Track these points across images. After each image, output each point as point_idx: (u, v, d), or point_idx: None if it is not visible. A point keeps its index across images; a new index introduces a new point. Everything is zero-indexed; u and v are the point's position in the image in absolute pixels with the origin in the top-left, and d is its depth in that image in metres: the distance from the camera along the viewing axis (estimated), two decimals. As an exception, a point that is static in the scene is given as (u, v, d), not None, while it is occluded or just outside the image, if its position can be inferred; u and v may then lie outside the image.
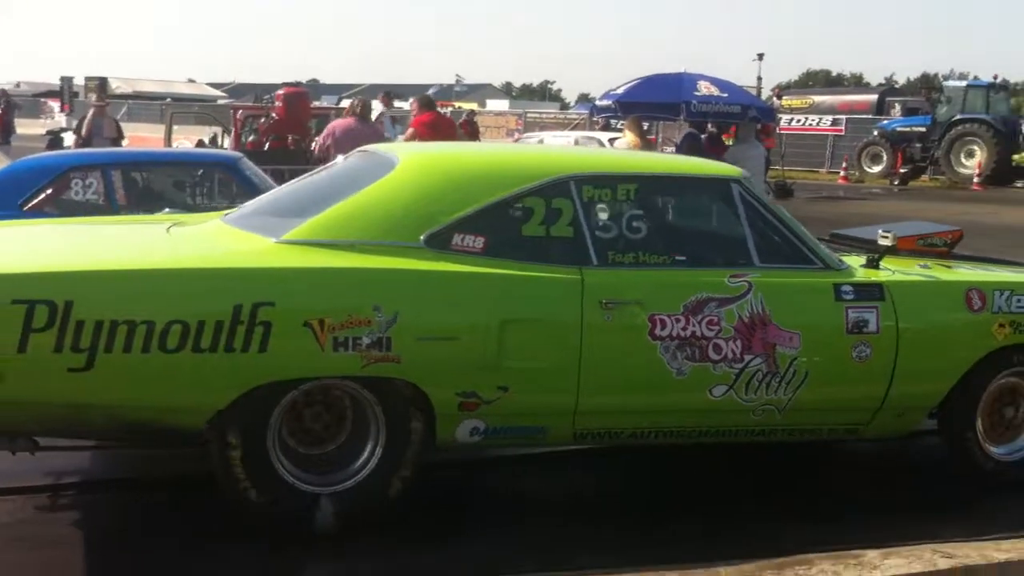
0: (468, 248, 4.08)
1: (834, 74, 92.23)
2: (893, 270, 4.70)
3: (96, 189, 7.30)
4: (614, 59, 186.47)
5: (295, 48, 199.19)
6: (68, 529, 3.97)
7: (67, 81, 34.40)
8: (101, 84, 34.33)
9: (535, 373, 4.05)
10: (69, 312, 3.54)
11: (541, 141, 18.82)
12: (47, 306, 3.53)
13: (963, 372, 4.60)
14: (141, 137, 32.15)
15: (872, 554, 3.82)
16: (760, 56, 46.67)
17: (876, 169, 28.96)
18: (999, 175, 27.02)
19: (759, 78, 44.39)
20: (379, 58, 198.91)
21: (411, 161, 4.42)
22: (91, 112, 16.63)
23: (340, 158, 5.32)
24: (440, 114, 13.44)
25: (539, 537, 4.11)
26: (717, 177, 4.64)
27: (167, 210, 5.76)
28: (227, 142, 19.24)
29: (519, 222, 4.19)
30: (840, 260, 4.61)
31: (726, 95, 18.37)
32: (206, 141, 20.39)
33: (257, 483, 3.85)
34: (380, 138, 10.71)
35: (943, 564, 3.77)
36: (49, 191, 7.14)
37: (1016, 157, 27.04)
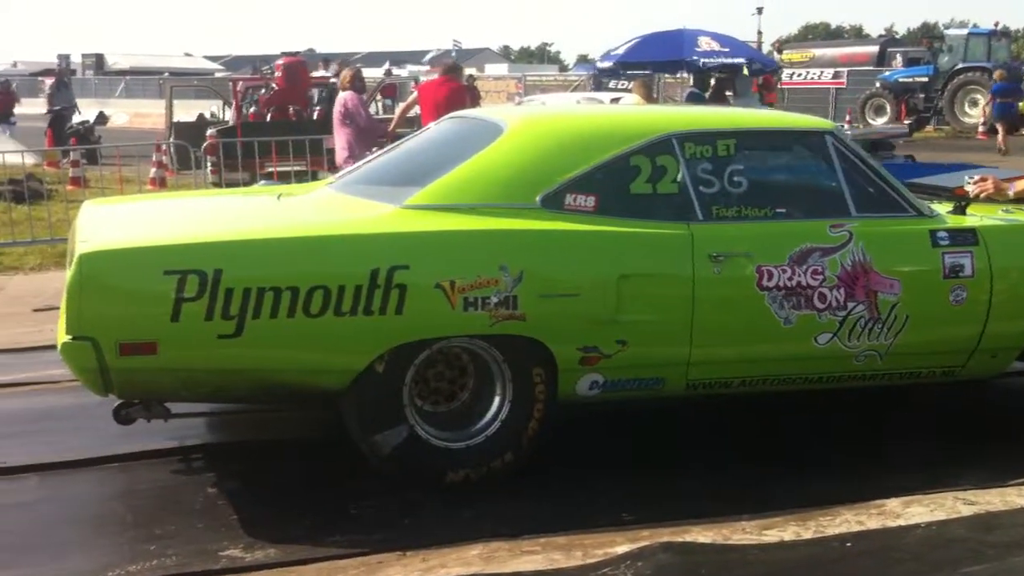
0: (581, 207, 4.20)
1: (833, 26, 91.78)
2: (980, 216, 4.82)
3: None
4: (611, 18, 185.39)
5: (289, 17, 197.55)
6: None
7: (64, 59, 34.26)
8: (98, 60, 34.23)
9: (651, 326, 4.18)
10: (219, 281, 3.67)
11: (544, 103, 18.74)
12: (197, 276, 3.66)
13: (1053, 312, 4.73)
14: (142, 113, 32.09)
15: (894, 503, 3.87)
16: (759, 10, 46.58)
17: (880, 121, 28.90)
18: (1004, 123, 27.01)
19: (759, 32, 44.36)
20: (375, 25, 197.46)
21: (520, 125, 4.53)
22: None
23: (432, 124, 5.39)
24: (450, 79, 13.24)
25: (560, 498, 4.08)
26: (811, 130, 4.74)
27: (263, 182, 5.85)
28: (228, 115, 19.23)
29: (627, 180, 4.30)
30: (931, 208, 4.73)
31: (727, 50, 18.43)
32: (207, 115, 20.40)
33: (393, 440, 3.98)
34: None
35: (965, 511, 3.81)
36: None
37: (1021, 104, 27.06)
